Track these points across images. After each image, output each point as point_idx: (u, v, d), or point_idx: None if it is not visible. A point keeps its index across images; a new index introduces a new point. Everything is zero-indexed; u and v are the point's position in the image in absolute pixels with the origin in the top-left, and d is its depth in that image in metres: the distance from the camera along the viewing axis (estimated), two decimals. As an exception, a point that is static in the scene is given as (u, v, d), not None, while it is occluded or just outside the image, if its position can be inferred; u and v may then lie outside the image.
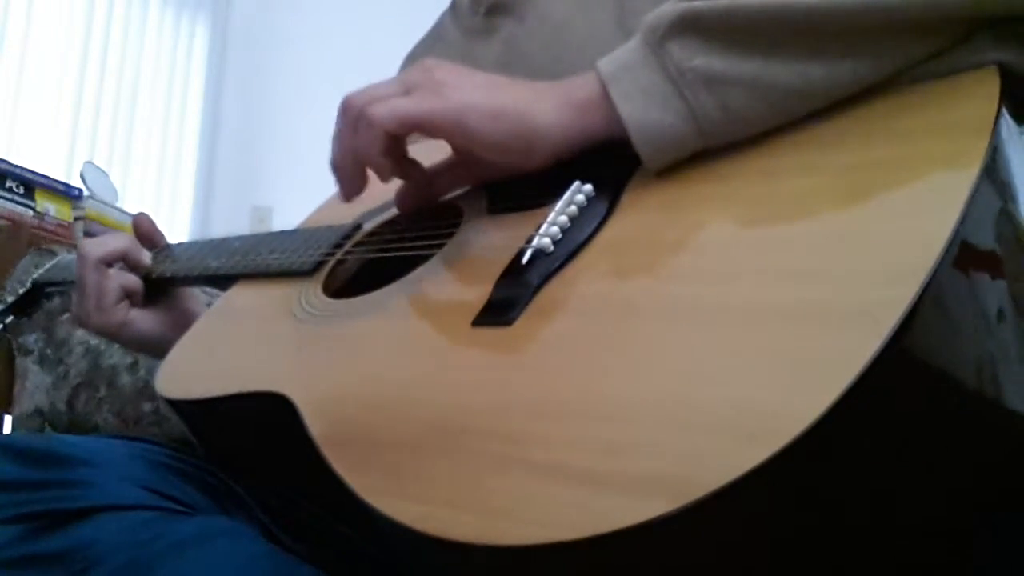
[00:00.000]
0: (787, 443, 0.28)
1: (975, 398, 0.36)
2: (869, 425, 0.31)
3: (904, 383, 0.33)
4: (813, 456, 0.29)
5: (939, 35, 0.42)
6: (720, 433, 0.31)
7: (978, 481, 0.37)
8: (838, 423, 0.29)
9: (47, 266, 0.87)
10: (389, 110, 0.50)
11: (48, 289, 0.85)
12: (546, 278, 0.44)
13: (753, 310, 0.35)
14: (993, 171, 0.38)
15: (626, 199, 0.48)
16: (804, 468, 0.30)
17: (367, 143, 0.51)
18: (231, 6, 3.11)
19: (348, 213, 0.66)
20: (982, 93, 0.39)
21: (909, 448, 0.33)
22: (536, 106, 0.49)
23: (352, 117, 0.51)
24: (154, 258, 0.76)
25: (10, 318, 0.85)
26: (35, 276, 0.86)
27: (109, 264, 0.72)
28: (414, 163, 0.57)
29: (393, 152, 0.52)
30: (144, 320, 0.73)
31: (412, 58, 0.83)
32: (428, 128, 0.50)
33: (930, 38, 0.42)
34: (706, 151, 0.46)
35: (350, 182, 0.54)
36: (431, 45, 0.80)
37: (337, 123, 0.53)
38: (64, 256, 0.86)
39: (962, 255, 0.34)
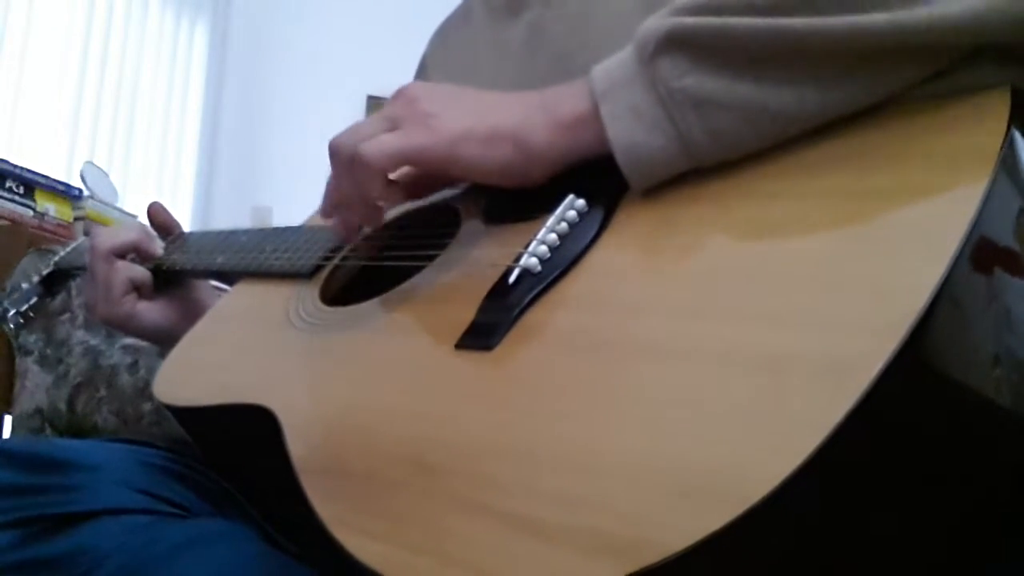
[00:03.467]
0: (744, 511, 0.28)
1: (972, 444, 0.35)
2: (837, 488, 0.30)
3: (883, 440, 0.31)
4: (771, 522, 0.29)
5: (936, 60, 0.41)
6: (679, 495, 0.30)
7: (963, 541, 0.36)
8: (801, 488, 0.28)
9: (68, 248, 0.87)
10: (379, 149, 0.49)
11: (74, 271, 0.85)
12: (530, 302, 0.44)
13: (728, 356, 0.34)
14: (1016, 187, 0.37)
15: (618, 217, 0.47)
16: (761, 534, 0.29)
17: (365, 186, 0.51)
18: (231, 6, 3.11)
19: None
20: (989, 117, 0.38)
21: (881, 512, 0.32)
22: (529, 125, 0.48)
23: (345, 160, 0.51)
24: (167, 247, 0.76)
25: (34, 299, 0.85)
26: (56, 259, 0.86)
27: (121, 255, 0.73)
28: (411, 187, 0.57)
29: (391, 186, 0.52)
30: (151, 312, 0.73)
31: (441, 34, 0.82)
32: (421, 163, 0.50)
33: (927, 62, 0.41)
34: (700, 170, 0.45)
35: (368, 222, 0.56)
36: (460, 21, 0.79)
37: (331, 168, 0.53)
38: (84, 240, 0.86)
39: (963, 280, 0.33)
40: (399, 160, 0.49)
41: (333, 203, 0.56)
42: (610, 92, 0.45)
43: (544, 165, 0.49)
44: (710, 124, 0.43)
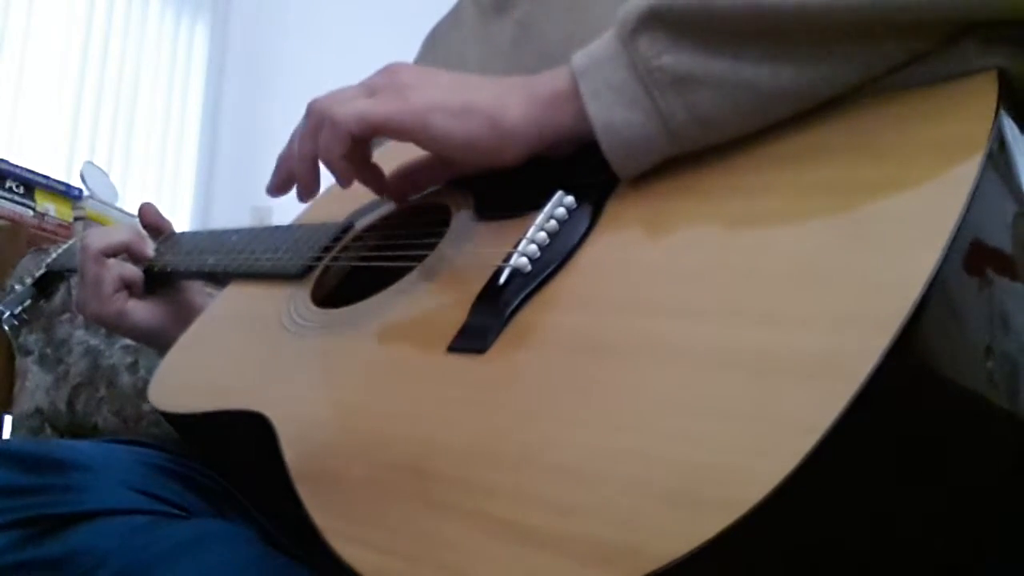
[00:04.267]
0: (741, 515, 0.28)
1: (966, 442, 0.34)
2: (834, 489, 0.30)
3: (881, 438, 0.31)
4: (769, 526, 0.28)
5: (915, 38, 0.40)
6: (674, 500, 0.30)
7: (962, 539, 0.36)
8: (798, 490, 0.28)
9: (60, 250, 0.87)
10: (352, 111, 0.50)
11: (67, 272, 0.86)
12: (521, 302, 0.43)
13: (721, 357, 0.34)
14: (1007, 175, 0.36)
15: (607, 214, 0.46)
16: (759, 538, 0.29)
17: (329, 144, 0.51)
18: (231, 6, 3.11)
19: (341, 210, 0.66)
20: (976, 103, 0.37)
21: (879, 511, 0.32)
22: (503, 102, 0.48)
23: (316, 119, 0.52)
24: (158, 248, 0.76)
25: (28, 301, 0.85)
26: (48, 260, 0.86)
27: (112, 255, 0.73)
28: (374, 168, 0.57)
29: (353, 156, 0.53)
30: (141, 310, 0.73)
31: (431, 38, 0.83)
32: (391, 129, 0.50)
33: (905, 40, 0.40)
34: (688, 162, 0.45)
35: (305, 183, 0.55)
36: (450, 24, 0.80)
37: (300, 125, 0.53)
38: (76, 241, 0.86)
39: (954, 270, 0.33)
40: (368, 124, 0.50)
41: (284, 155, 0.57)
42: (589, 70, 0.45)
43: (517, 142, 0.48)
44: (689, 101, 0.43)
